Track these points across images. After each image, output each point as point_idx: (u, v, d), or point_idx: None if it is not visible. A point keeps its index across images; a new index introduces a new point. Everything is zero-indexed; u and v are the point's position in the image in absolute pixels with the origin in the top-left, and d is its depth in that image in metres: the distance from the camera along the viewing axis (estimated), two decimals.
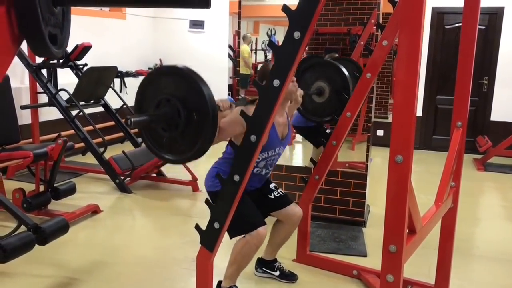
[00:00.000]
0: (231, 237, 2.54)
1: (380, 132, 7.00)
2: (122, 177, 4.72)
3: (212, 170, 2.65)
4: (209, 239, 2.18)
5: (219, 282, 2.67)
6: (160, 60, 7.88)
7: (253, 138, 1.99)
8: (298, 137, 5.59)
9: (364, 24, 3.96)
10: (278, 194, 2.82)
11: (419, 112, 7.00)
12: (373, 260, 3.20)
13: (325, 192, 3.92)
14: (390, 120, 8.15)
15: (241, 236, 2.52)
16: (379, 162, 5.78)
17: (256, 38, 6.53)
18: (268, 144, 2.55)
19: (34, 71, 4.82)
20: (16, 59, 4.72)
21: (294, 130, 5.46)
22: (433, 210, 2.33)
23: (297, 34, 1.85)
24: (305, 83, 3.17)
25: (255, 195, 2.70)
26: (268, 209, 2.80)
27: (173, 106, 1.88)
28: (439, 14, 6.72)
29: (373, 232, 3.75)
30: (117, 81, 6.50)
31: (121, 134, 5.52)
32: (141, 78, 7.27)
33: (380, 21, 3.75)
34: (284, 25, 1.90)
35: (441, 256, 2.72)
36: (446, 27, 6.75)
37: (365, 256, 3.36)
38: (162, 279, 3.02)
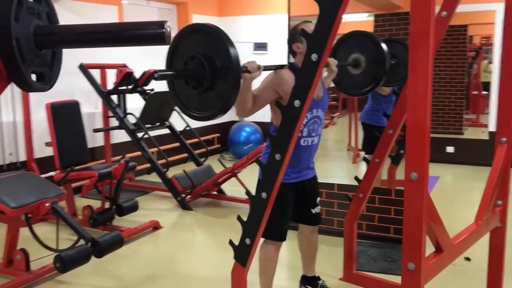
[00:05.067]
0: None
1: (450, 149, 6.75)
2: (184, 195, 4.94)
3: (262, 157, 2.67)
4: (241, 254, 2.26)
5: None
6: None
7: (277, 156, 2.07)
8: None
9: None
10: (316, 212, 2.87)
11: None
12: None
13: (379, 211, 3.86)
14: (465, 136, 7.68)
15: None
16: (449, 180, 5.53)
17: None
18: None
19: (105, 97, 5.20)
20: (89, 87, 5.13)
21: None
22: (472, 228, 2.25)
23: (314, 56, 1.92)
24: (341, 58, 3.09)
25: (302, 194, 2.76)
26: (302, 219, 2.90)
27: (198, 63, 1.94)
28: None
29: (429, 252, 3.61)
30: None
31: (185, 155, 5.77)
32: None
33: None
34: None
35: (491, 278, 2.61)
36: None
37: None
38: None
